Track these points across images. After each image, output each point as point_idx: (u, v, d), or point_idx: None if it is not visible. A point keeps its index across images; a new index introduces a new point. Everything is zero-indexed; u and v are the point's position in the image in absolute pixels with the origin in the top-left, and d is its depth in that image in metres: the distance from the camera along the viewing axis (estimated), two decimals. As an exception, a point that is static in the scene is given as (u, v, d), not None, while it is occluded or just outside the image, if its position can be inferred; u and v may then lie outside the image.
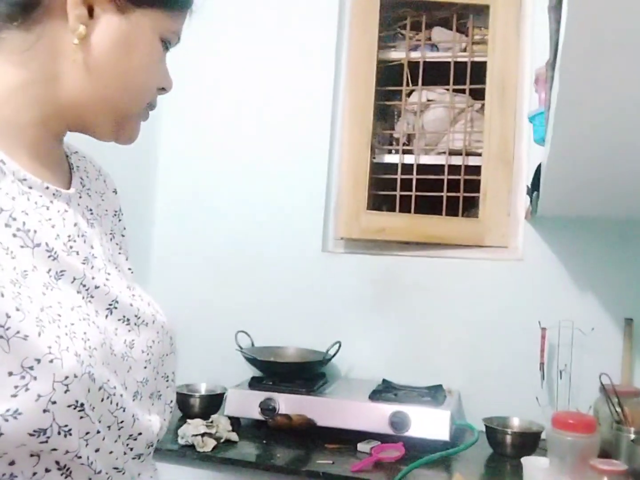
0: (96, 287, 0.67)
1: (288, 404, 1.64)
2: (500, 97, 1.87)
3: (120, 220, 0.85)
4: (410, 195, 2.00)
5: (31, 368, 0.54)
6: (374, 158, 2.00)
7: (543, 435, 1.57)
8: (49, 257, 0.63)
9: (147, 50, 0.70)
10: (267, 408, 1.64)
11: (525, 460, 1.36)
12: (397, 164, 2.03)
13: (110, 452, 0.62)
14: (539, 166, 1.36)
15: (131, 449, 0.67)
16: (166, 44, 0.72)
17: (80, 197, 0.75)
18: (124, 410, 0.64)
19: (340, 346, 1.81)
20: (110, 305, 0.68)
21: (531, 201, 1.41)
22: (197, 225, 2.06)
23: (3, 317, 0.54)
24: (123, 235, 0.84)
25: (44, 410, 0.54)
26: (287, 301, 1.97)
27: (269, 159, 2.02)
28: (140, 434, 0.67)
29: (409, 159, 2.03)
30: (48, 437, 0.55)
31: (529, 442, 1.56)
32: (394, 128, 2.11)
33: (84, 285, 0.66)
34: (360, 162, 1.95)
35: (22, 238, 0.62)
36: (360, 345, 1.90)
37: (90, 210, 0.76)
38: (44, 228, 0.65)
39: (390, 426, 1.56)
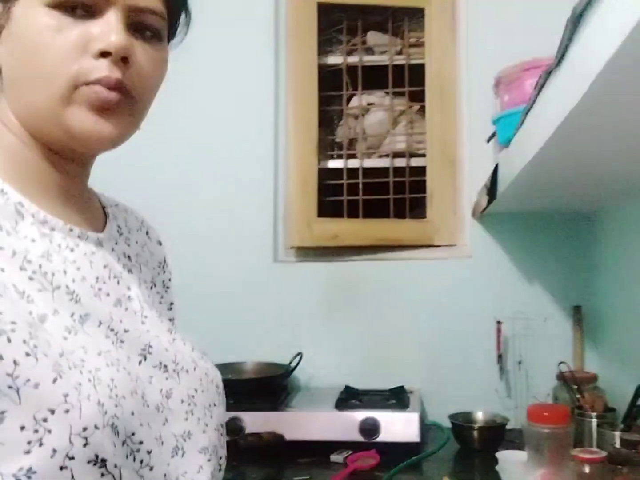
0: (126, 331, 0.62)
1: (255, 421, 1.60)
2: (440, 99, 1.90)
3: (165, 271, 0.82)
4: (357, 200, 2.00)
5: (45, 420, 0.48)
6: (319, 164, 1.99)
7: (507, 427, 1.62)
8: (71, 299, 0.59)
9: (34, 31, 0.60)
10: (234, 428, 1.59)
11: (500, 455, 1.38)
12: (340, 169, 2.02)
13: None
14: (497, 167, 1.40)
15: None
16: (67, 8, 0.60)
17: (116, 244, 0.71)
18: (151, 469, 0.58)
19: (301, 357, 1.78)
20: (143, 350, 0.63)
21: (489, 201, 1.45)
22: (140, 243, 1.97)
23: (10, 365, 0.48)
24: (167, 287, 0.81)
25: (61, 468, 0.49)
26: (240, 315, 1.92)
27: (213, 171, 1.95)
28: None
29: (352, 163, 2.03)
30: None
31: (496, 435, 1.60)
32: (334, 133, 2.10)
33: (112, 329, 0.61)
34: (308, 169, 1.94)
35: (40, 281, 0.57)
36: (318, 354, 1.88)
37: (128, 257, 0.72)
38: (68, 270, 0.61)
39: (360, 433, 1.55)
